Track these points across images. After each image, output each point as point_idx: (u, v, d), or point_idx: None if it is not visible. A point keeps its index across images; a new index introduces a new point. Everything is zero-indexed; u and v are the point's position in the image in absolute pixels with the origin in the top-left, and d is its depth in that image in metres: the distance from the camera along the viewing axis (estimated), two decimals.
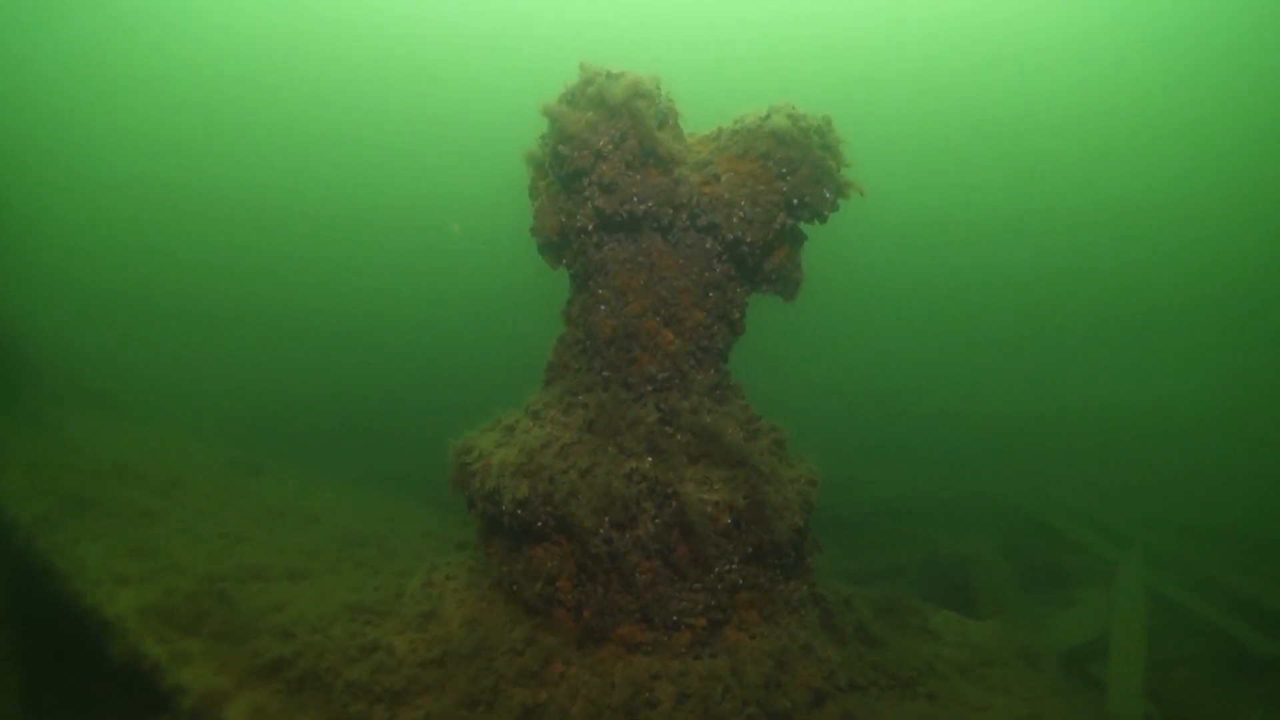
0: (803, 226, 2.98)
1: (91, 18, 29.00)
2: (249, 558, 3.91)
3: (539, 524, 2.75)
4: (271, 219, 30.26)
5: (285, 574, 3.73)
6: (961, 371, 21.03)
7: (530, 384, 3.19)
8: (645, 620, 2.73)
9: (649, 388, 2.84)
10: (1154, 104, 32.11)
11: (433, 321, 22.77)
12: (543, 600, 2.81)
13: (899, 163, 29.97)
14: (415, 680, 2.71)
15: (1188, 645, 5.84)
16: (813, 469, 3.02)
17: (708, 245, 2.83)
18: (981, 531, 8.55)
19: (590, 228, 2.83)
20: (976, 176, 33.34)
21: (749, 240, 2.81)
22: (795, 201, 2.81)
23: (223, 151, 33.18)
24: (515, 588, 2.90)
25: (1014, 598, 6.35)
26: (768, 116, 2.82)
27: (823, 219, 2.91)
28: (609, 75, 2.75)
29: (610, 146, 2.71)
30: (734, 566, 2.74)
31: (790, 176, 2.79)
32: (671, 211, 2.75)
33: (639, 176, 2.73)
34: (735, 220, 2.78)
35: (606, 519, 2.67)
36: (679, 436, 2.79)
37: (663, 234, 2.81)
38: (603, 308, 2.86)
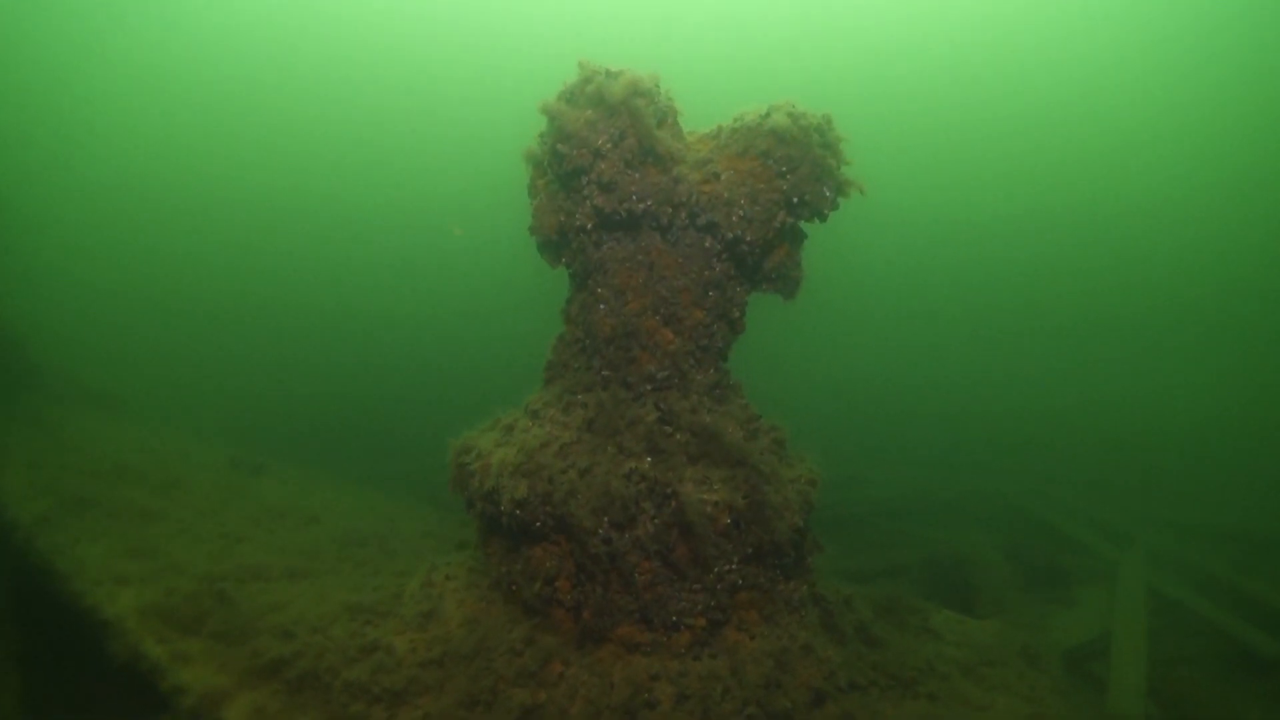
0: (803, 225, 2.97)
1: (90, 17, 29.02)
2: (249, 558, 3.91)
3: (538, 524, 2.75)
4: (271, 218, 30.26)
5: (285, 574, 3.72)
6: (962, 370, 21.03)
7: (530, 383, 3.18)
8: (644, 620, 2.72)
9: (648, 387, 2.83)
10: (1155, 99, 32.07)
11: (433, 320, 22.78)
12: (542, 600, 2.81)
13: (900, 161, 29.96)
14: (414, 680, 2.70)
15: (1189, 645, 5.84)
16: (813, 468, 3.02)
17: (707, 244, 2.83)
18: (982, 531, 8.55)
19: (589, 226, 2.83)
20: (977, 174, 33.32)
21: (749, 239, 2.80)
22: (795, 200, 2.80)
23: (223, 151, 33.18)
24: (514, 588, 2.90)
25: (1015, 597, 6.35)
26: (767, 114, 2.81)
27: (823, 217, 2.90)
28: (608, 73, 2.74)
29: (609, 145, 2.70)
30: (733, 567, 2.73)
31: (790, 175, 2.78)
32: (671, 210, 2.75)
33: (638, 175, 2.72)
34: (735, 219, 2.77)
35: (605, 519, 2.66)
36: (678, 436, 2.78)
37: (662, 233, 2.80)
38: (602, 307, 2.85)
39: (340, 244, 29.26)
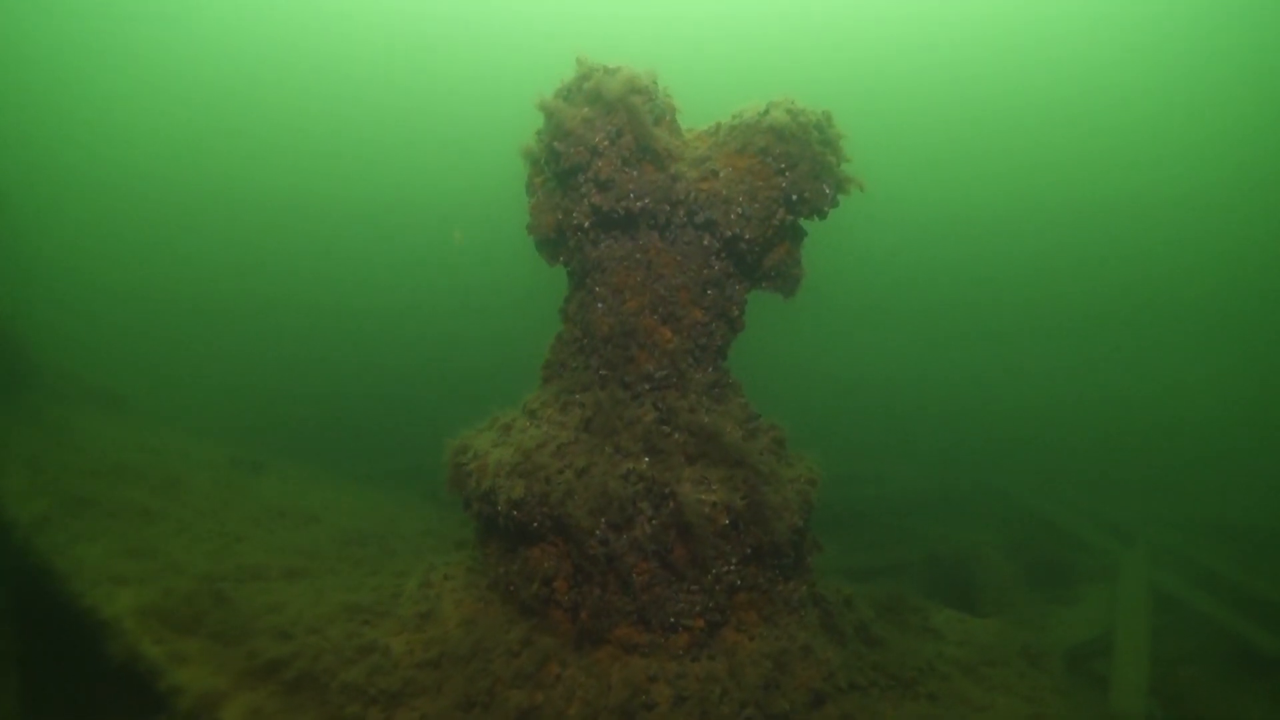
0: (802, 222, 2.95)
1: (91, 16, 29.00)
2: (248, 557, 3.90)
3: (535, 524, 2.73)
4: (271, 217, 30.26)
5: (284, 574, 3.71)
6: (964, 366, 20.99)
7: (528, 382, 3.17)
8: (642, 622, 2.71)
9: (647, 386, 2.81)
10: (1158, 95, 32.00)
11: (432, 319, 22.77)
12: (539, 601, 2.79)
13: (900, 157, 29.89)
14: (411, 682, 2.69)
15: (1191, 643, 5.83)
16: (812, 468, 3.00)
17: (706, 242, 2.80)
18: (984, 528, 8.54)
19: (587, 225, 2.80)
20: (978, 170, 33.26)
21: (748, 237, 2.78)
22: (794, 197, 2.78)
23: (223, 149, 33.20)
24: (512, 588, 2.88)
25: (1017, 595, 6.33)
26: (766, 111, 2.79)
27: (822, 215, 2.88)
28: (605, 70, 2.72)
29: (606, 142, 2.68)
30: (732, 567, 2.71)
31: (789, 172, 2.76)
32: (669, 208, 2.73)
33: (635, 173, 2.70)
34: (734, 216, 2.75)
35: (603, 519, 2.65)
36: (677, 436, 2.76)
37: (660, 231, 2.78)
38: (600, 305, 2.83)
39: (341, 242, 29.27)
